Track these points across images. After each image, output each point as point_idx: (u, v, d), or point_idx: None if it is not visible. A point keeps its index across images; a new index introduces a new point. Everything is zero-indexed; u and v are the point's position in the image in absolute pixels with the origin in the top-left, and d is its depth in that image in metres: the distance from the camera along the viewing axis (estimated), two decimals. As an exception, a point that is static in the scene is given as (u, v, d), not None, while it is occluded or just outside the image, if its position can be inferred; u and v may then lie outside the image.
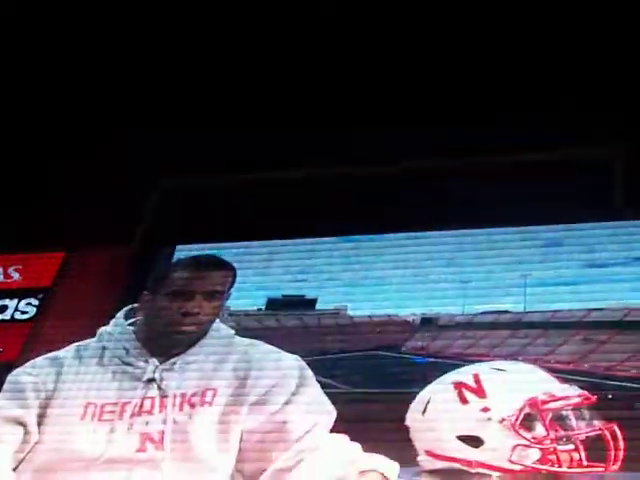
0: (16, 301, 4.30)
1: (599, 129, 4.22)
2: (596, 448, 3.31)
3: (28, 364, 3.98)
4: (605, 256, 3.88)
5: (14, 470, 3.68)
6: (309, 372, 3.73)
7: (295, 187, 4.48)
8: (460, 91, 4.43)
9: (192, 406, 3.71)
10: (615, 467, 3.27)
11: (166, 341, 3.91)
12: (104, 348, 3.94)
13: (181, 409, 3.70)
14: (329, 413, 3.60)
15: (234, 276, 4.09)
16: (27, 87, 4.74)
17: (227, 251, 4.27)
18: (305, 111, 4.55)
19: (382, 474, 3.41)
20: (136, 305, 4.04)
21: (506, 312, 3.84)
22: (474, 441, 3.42)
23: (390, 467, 3.42)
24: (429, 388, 3.59)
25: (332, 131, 4.49)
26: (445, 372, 3.63)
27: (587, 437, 3.35)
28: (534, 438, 3.38)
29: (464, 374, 3.59)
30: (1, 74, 4.70)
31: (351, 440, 3.50)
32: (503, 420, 3.41)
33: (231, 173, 4.61)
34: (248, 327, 4.02)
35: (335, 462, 3.46)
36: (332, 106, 4.55)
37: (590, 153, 4.23)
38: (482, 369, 3.61)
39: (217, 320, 3.97)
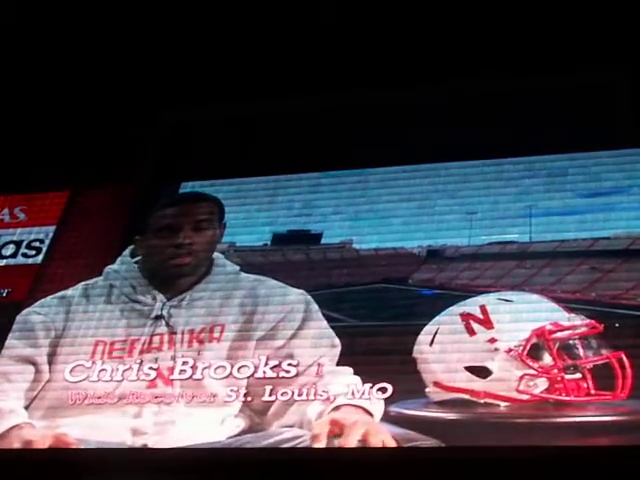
0: (22, 241, 4.31)
1: (601, 56, 4.17)
2: (603, 377, 3.32)
3: (37, 303, 4.01)
4: (610, 185, 3.87)
5: (26, 408, 3.72)
6: (315, 306, 3.76)
7: (299, 120, 4.44)
8: (458, 15, 4.37)
9: (200, 342, 3.74)
10: (622, 395, 3.28)
11: (169, 277, 3.95)
12: (111, 286, 3.97)
13: (190, 345, 3.74)
14: (334, 346, 3.62)
15: (220, 209, 4.13)
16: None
17: (231, 187, 4.26)
18: (309, 39, 4.50)
19: (357, 406, 3.44)
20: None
21: (512, 243, 3.83)
22: (482, 372, 3.44)
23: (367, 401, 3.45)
24: (436, 320, 3.61)
25: (337, 62, 4.45)
26: (452, 304, 3.65)
27: (594, 366, 3.37)
28: (541, 368, 3.40)
29: (471, 305, 3.61)
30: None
31: (359, 373, 3.52)
32: (510, 350, 3.44)
33: (234, 107, 4.57)
34: (254, 263, 4.03)
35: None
36: (332, 36, 4.49)
37: (592, 80, 4.19)
38: (489, 300, 3.62)
39: (222, 256, 3.99)
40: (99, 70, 4.65)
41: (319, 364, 3.58)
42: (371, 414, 3.41)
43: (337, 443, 3.34)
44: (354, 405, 3.44)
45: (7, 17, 4.56)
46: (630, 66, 4.14)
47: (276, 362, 3.61)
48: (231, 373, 3.62)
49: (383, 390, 3.44)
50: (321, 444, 3.36)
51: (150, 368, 3.71)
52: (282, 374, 3.59)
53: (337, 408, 3.45)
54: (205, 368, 3.65)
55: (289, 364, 3.60)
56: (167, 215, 4.13)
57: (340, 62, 4.46)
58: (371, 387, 3.46)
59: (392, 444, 3.33)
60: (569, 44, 4.19)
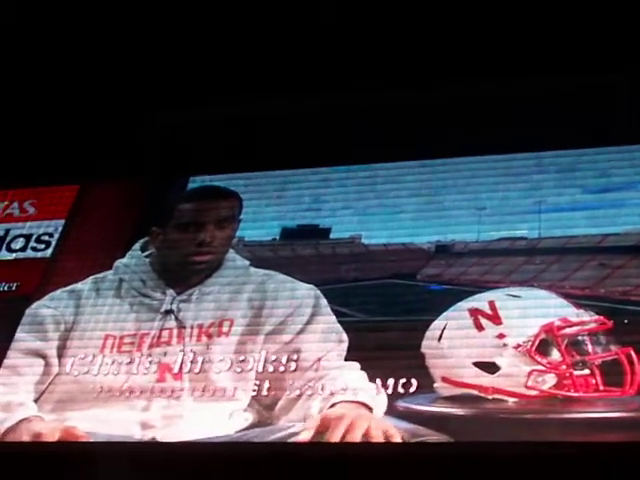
0: (32, 235, 4.32)
1: (611, 52, 4.16)
2: (612, 373, 3.32)
3: (46, 297, 4.02)
4: (620, 180, 3.86)
5: (35, 402, 3.73)
6: (324, 301, 3.76)
7: (309, 116, 4.45)
8: (463, 16, 4.37)
9: (209, 337, 3.75)
10: (631, 391, 3.28)
11: (184, 272, 3.96)
12: (121, 280, 3.98)
13: (199, 340, 3.74)
14: (342, 341, 3.62)
15: (240, 204, 4.14)
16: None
17: (240, 181, 4.27)
18: (316, 37, 4.50)
19: (361, 402, 3.44)
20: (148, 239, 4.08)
21: (521, 238, 3.83)
22: (490, 367, 3.44)
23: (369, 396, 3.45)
24: (445, 315, 3.61)
25: (346, 57, 4.45)
26: (460, 299, 3.64)
27: (603, 362, 3.36)
28: (550, 363, 3.40)
29: (479, 301, 3.60)
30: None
31: (366, 368, 3.52)
32: (519, 346, 3.43)
33: (243, 103, 4.57)
34: (263, 257, 4.03)
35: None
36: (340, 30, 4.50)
37: (601, 77, 4.19)
38: (497, 296, 3.62)
39: (232, 251, 3.99)
40: (109, 65, 4.64)
41: (327, 359, 3.59)
42: (375, 409, 3.41)
43: (339, 438, 3.34)
44: (358, 400, 3.44)
45: (7, 17, 4.57)
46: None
47: (284, 356, 3.62)
48: (239, 367, 3.63)
49: (392, 385, 3.44)
50: (323, 439, 3.36)
51: (159, 362, 3.72)
52: (290, 369, 3.59)
53: (342, 403, 3.45)
54: (213, 362, 3.66)
55: (297, 359, 3.61)
56: (190, 210, 4.14)
57: (342, 61, 4.46)
58: (379, 382, 3.46)
59: (395, 438, 3.33)
60: (580, 44, 4.19)
